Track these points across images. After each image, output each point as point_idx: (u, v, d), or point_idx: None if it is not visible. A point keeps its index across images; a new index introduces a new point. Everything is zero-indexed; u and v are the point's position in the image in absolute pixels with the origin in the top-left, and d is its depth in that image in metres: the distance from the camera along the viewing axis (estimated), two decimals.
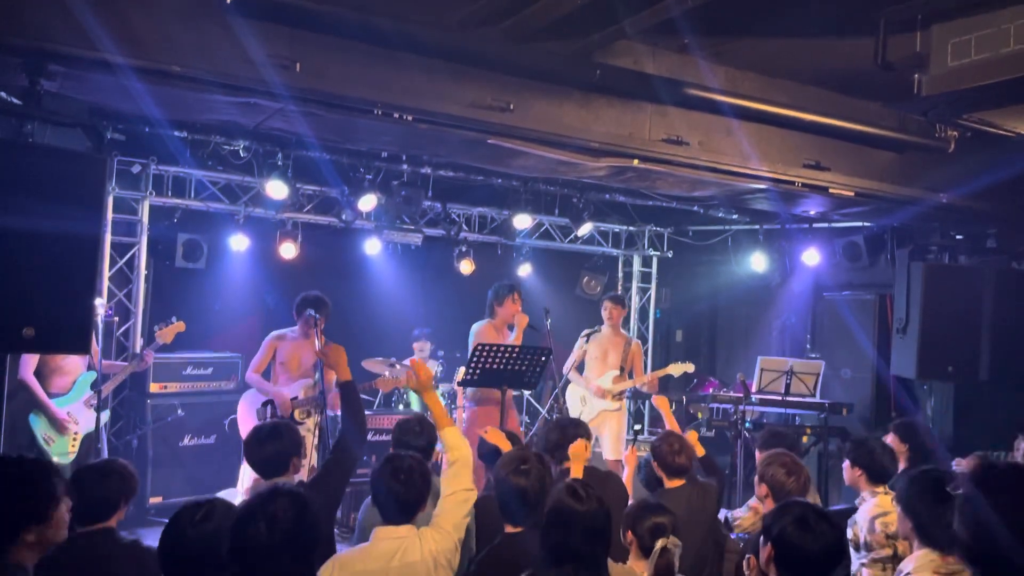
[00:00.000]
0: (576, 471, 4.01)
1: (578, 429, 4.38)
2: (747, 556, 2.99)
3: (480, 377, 5.92)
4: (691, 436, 4.87)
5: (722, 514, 4.98)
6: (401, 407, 7.95)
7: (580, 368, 7.63)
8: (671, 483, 4.34)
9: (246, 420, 6.29)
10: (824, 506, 4.63)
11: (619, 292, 8.81)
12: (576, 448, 4.13)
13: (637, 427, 7.78)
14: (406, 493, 3.23)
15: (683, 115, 5.79)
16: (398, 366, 7.79)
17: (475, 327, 6.77)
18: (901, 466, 4.95)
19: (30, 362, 5.87)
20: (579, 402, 7.55)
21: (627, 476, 5.01)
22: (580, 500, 2.82)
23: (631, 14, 4.62)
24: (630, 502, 4.22)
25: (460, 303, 9.26)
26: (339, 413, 4.12)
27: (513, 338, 6.54)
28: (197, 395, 7.20)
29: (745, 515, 4.82)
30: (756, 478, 4.19)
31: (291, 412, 6.15)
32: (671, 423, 5.21)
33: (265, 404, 6.12)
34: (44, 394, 5.91)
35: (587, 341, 7.55)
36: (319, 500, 3.60)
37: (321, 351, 4.39)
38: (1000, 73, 4.54)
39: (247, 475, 5.85)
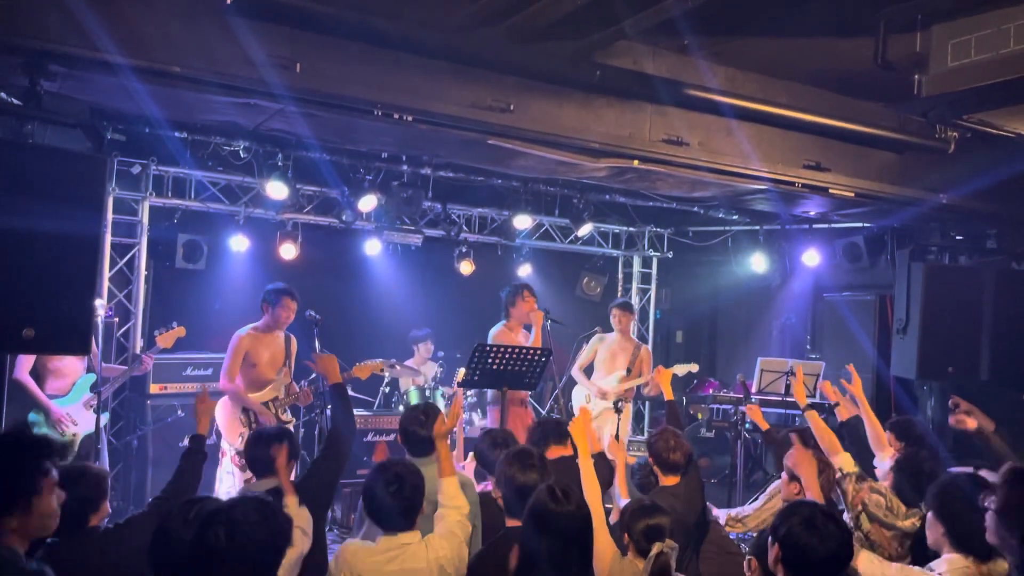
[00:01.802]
0: (580, 446, 3.95)
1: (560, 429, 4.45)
2: (748, 558, 2.99)
3: (480, 378, 5.91)
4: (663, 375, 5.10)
5: (722, 514, 4.98)
6: (401, 408, 7.94)
7: (588, 370, 7.68)
8: (667, 480, 4.34)
9: (230, 426, 6.09)
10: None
11: (626, 298, 8.83)
12: (577, 419, 4.08)
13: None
14: (401, 502, 3.23)
15: (683, 115, 5.79)
16: (398, 367, 7.79)
17: (492, 331, 6.79)
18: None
19: (25, 362, 5.86)
20: (584, 401, 7.58)
21: (619, 470, 5.03)
22: (558, 502, 2.82)
23: (631, 14, 4.62)
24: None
25: (460, 304, 9.26)
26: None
27: (533, 338, 6.53)
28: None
29: (757, 510, 4.85)
30: (784, 476, 4.22)
31: (275, 413, 6.10)
32: (666, 390, 5.40)
33: (246, 409, 6.04)
34: (40, 391, 5.90)
35: (600, 341, 7.62)
36: (311, 497, 3.62)
37: (312, 360, 4.44)
38: (1000, 73, 4.55)
39: (237, 477, 5.82)
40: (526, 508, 2.90)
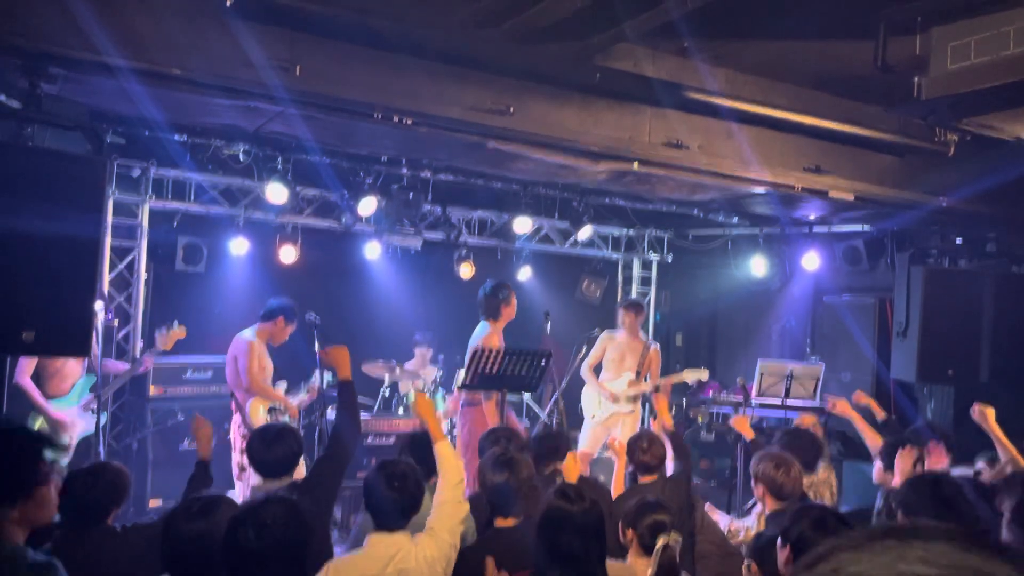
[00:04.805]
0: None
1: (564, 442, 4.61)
2: (747, 561, 2.99)
3: (479, 381, 5.90)
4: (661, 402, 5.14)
5: (723, 521, 4.97)
6: (401, 410, 7.93)
7: (597, 369, 7.62)
8: (644, 479, 4.49)
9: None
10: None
11: (636, 298, 8.79)
12: (567, 464, 4.21)
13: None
14: (400, 500, 3.24)
15: (683, 118, 5.79)
16: (398, 369, 7.78)
17: (479, 334, 6.38)
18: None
19: (26, 366, 5.86)
20: (594, 402, 7.52)
21: (617, 468, 5.06)
22: (571, 501, 2.86)
23: (631, 17, 4.62)
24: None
25: (460, 307, 9.24)
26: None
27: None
28: (197, 399, 7.17)
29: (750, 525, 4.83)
30: (752, 482, 4.23)
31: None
32: (666, 419, 5.25)
33: (270, 410, 6.07)
34: (40, 397, 5.90)
35: (610, 340, 7.54)
36: (313, 497, 3.63)
37: (324, 351, 4.37)
38: (1000, 76, 4.54)
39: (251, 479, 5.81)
40: (540, 511, 2.93)
